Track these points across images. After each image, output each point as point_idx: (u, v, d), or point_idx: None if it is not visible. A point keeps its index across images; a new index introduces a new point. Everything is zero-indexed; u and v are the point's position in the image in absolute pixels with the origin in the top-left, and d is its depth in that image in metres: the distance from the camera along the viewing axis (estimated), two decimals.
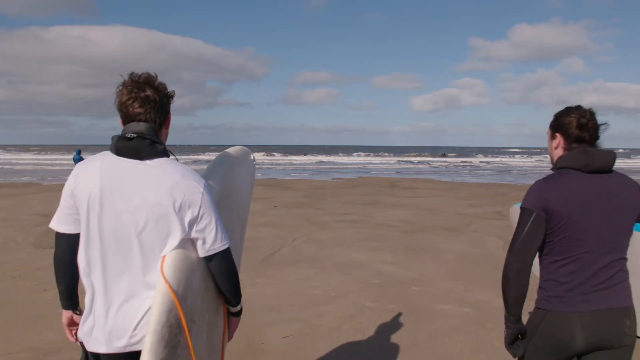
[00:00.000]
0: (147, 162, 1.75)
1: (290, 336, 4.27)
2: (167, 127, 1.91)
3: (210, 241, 1.78)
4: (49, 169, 34.66)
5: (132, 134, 1.75)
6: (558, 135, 2.11)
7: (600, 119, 2.09)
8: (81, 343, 1.90)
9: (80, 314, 1.96)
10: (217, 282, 1.88)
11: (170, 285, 1.67)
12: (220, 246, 1.80)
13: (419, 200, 14.95)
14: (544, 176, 2.06)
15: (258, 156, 59.17)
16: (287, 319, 4.66)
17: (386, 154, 77.96)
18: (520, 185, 22.67)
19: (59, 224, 1.87)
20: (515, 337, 2.10)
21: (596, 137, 2.08)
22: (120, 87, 1.83)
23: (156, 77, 1.86)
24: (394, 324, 4.57)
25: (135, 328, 1.74)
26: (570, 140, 2.07)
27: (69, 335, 2.03)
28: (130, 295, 1.75)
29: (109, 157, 1.78)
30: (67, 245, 1.87)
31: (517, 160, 61.65)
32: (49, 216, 8.49)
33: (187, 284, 1.73)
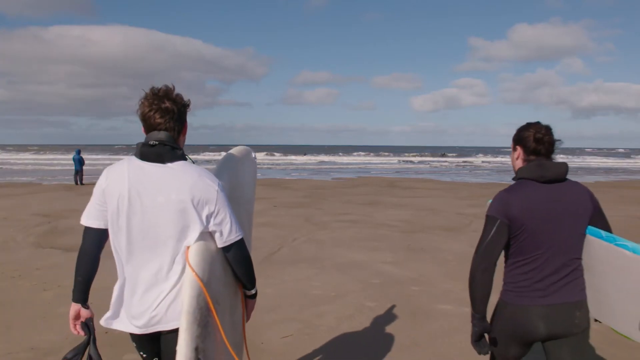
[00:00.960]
0: (168, 165, 1.97)
1: (290, 336, 4.27)
2: (185, 134, 2.12)
3: (226, 233, 2.00)
4: (48, 169, 34.65)
5: (155, 141, 1.98)
6: (518, 147, 2.37)
7: (555, 135, 2.34)
8: (88, 329, 2.12)
9: (88, 308, 2.15)
10: (234, 269, 2.12)
11: (196, 273, 1.89)
12: (235, 237, 2.02)
13: (419, 200, 14.95)
14: (506, 187, 2.32)
15: (260, 156, 59.19)
16: (287, 319, 4.66)
17: (386, 154, 77.93)
18: None
19: (89, 219, 2.09)
20: (481, 334, 2.32)
21: (551, 150, 2.32)
22: (142, 100, 2.03)
23: (174, 89, 2.06)
24: (394, 324, 4.57)
25: (155, 309, 1.97)
26: (528, 153, 2.32)
27: (72, 328, 2.14)
28: (154, 282, 1.97)
29: (134, 161, 2.01)
30: (94, 239, 2.09)
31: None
32: (49, 216, 8.53)
33: (210, 271, 1.96)
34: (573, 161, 58.22)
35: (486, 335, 2.35)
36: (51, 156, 58.77)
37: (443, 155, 74.47)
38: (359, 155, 72.09)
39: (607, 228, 2.39)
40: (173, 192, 1.93)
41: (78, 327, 2.14)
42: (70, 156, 25.52)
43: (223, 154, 2.53)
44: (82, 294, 2.12)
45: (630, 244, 2.29)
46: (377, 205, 13.69)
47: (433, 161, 56.71)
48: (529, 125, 2.37)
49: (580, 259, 2.31)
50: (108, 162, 47.19)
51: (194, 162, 2.09)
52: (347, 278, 6.13)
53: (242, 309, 2.28)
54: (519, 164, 2.37)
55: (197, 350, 1.85)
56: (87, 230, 2.11)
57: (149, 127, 2.02)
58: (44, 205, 13.05)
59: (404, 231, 9.49)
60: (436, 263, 6.81)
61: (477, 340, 2.33)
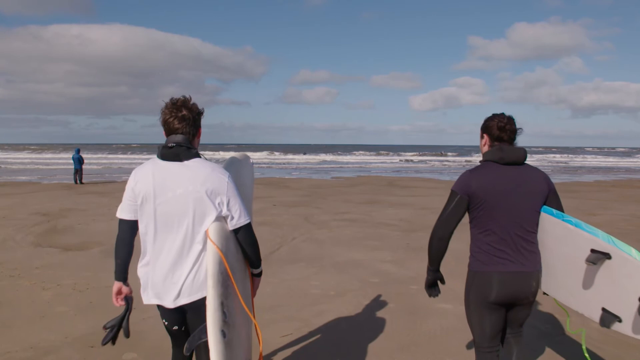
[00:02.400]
0: (185, 162, 2.34)
1: (289, 335, 4.27)
2: (199, 137, 2.49)
3: (236, 217, 2.37)
4: (47, 168, 34.63)
5: (173, 144, 2.35)
6: (485, 135, 2.73)
7: (518, 124, 2.70)
8: (127, 303, 2.52)
9: (128, 286, 2.52)
10: (243, 249, 2.48)
11: (217, 245, 2.28)
12: (244, 221, 2.40)
13: (418, 199, 14.95)
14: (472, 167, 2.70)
15: (262, 155, 59.23)
16: (286, 318, 4.66)
17: (385, 153, 77.95)
18: None
19: (123, 212, 2.43)
20: (434, 282, 2.84)
21: (513, 137, 2.67)
22: (164, 109, 2.40)
23: (190, 99, 2.43)
24: (393, 323, 4.58)
25: (179, 285, 2.33)
26: (493, 139, 2.68)
27: (115, 301, 2.53)
28: (177, 261, 2.33)
29: (157, 161, 2.38)
30: (128, 228, 2.44)
31: None
32: (48, 215, 8.52)
33: (226, 246, 2.35)
34: (574, 160, 58.32)
35: (439, 283, 2.87)
36: (50, 155, 58.69)
37: (442, 155, 74.46)
38: (358, 155, 72.08)
39: (560, 209, 2.69)
40: (190, 184, 2.30)
41: (120, 300, 2.52)
42: (70, 155, 25.51)
43: (221, 153, 2.79)
44: (122, 274, 2.49)
45: (574, 219, 2.59)
46: (377, 205, 13.70)
47: (432, 160, 56.71)
48: (494, 116, 2.71)
49: (535, 232, 2.64)
50: (106, 161, 47.10)
51: (207, 159, 2.45)
52: (346, 277, 6.13)
53: (250, 285, 2.66)
54: (486, 149, 2.72)
55: (222, 305, 2.23)
56: (122, 222, 2.45)
57: (168, 131, 2.40)
58: (43, 205, 13.04)
59: (403, 230, 9.49)
60: None
61: (430, 286, 2.86)
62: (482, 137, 2.76)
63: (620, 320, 2.43)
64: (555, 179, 26.92)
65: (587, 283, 2.55)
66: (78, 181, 20.63)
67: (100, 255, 7.01)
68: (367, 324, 4.57)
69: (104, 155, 57.76)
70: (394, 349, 4.02)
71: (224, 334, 2.19)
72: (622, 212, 12.29)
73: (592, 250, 2.46)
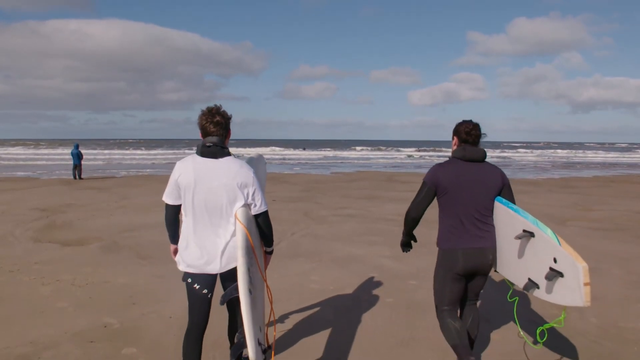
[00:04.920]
0: (220, 159, 2.92)
1: (287, 330, 4.28)
2: (229, 137, 3.08)
3: (258, 205, 3.01)
4: (46, 163, 34.58)
5: (210, 144, 2.91)
6: (455, 137, 3.36)
7: (482, 129, 3.30)
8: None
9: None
10: (261, 230, 3.13)
11: (243, 224, 2.90)
12: (263, 208, 3.06)
13: None
14: (441, 162, 3.33)
15: (264, 151, 59.27)
16: (286, 313, 4.67)
17: (384, 148, 77.91)
18: (517, 179, 22.68)
19: (168, 198, 3.02)
20: (407, 242, 3.78)
21: (477, 141, 3.28)
22: (201, 115, 2.97)
23: (221, 107, 3.01)
24: (392, 318, 4.59)
25: (215, 257, 2.92)
26: (461, 141, 3.30)
27: (173, 256, 3.18)
28: (213, 238, 2.92)
29: (196, 157, 2.94)
30: (172, 211, 3.06)
31: (515, 155, 61.66)
32: (47, 210, 8.51)
33: (250, 226, 2.98)
34: (577, 156, 58.33)
35: (412, 243, 3.70)
36: (49, 150, 58.56)
37: (441, 150, 74.39)
38: (357, 150, 72.01)
39: (512, 200, 3.28)
40: (223, 177, 2.87)
41: (176, 257, 3.09)
42: (69, 150, 25.46)
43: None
44: (174, 239, 3.15)
45: (515, 206, 3.21)
46: (376, 200, 13.71)
47: (432, 155, 56.70)
48: (463, 122, 3.32)
49: (490, 217, 3.25)
50: (105, 156, 46.99)
51: (237, 157, 3.01)
52: (345, 272, 6.14)
53: (264, 260, 3.31)
54: (455, 148, 3.34)
55: (249, 270, 2.85)
56: (167, 206, 3.04)
57: (205, 133, 2.96)
58: (42, 200, 13.03)
59: (402, 225, 9.48)
60: (434, 257, 6.79)
61: (404, 245, 3.80)
62: (452, 138, 3.39)
63: (538, 287, 3.09)
64: (554, 174, 26.95)
65: (520, 256, 3.19)
66: (77, 176, 20.61)
67: (99, 251, 7.00)
68: (365, 318, 4.58)
69: (103, 151, 57.65)
70: (392, 344, 4.03)
71: (250, 291, 2.83)
72: (621, 208, 12.31)
73: (524, 230, 3.10)
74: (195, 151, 3.00)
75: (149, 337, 4.08)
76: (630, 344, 4.03)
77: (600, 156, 60.62)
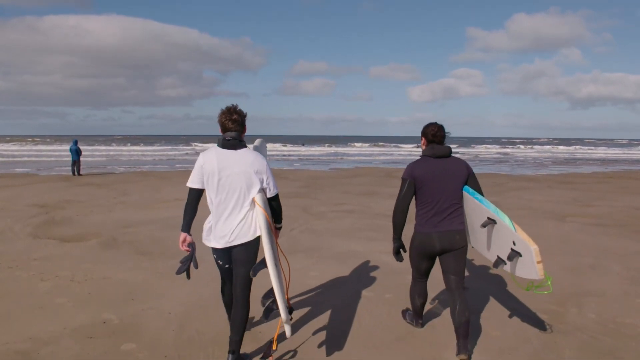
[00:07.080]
0: (238, 150, 3.40)
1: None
2: (244, 132, 3.53)
3: (272, 189, 3.48)
4: (45, 159, 34.53)
5: (229, 137, 3.39)
6: (423, 138, 3.88)
7: (446, 129, 3.83)
8: (192, 247, 3.50)
9: (191, 235, 3.51)
10: (273, 211, 3.60)
11: (263, 209, 3.39)
12: (276, 192, 3.52)
13: None
14: (416, 159, 3.84)
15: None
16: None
17: (383, 144, 77.86)
18: (516, 175, 22.70)
19: (192, 183, 3.44)
20: (398, 249, 3.91)
21: (442, 140, 3.80)
22: (220, 114, 3.44)
23: (237, 106, 3.49)
24: (391, 314, 4.59)
25: (232, 232, 3.39)
26: (428, 141, 3.82)
27: (181, 246, 3.52)
28: (231, 216, 3.39)
29: (218, 149, 3.41)
30: (195, 195, 3.46)
31: (514, 151, 61.67)
32: (46, 207, 8.50)
33: (266, 207, 3.48)
34: (578, 151, 58.33)
35: (401, 251, 3.92)
36: (48, 147, 58.47)
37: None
38: (356, 146, 71.96)
39: (477, 188, 3.79)
40: (242, 166, 3.35)
41: (185, 246, 3.48)
42: (67, 147, 25.42)
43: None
44: (188, 227, 3.49)
45: (479, 196, 3.73)
46: (375, 196, 13.71)
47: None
48: (429, 125, 3.83)
49: (459, 204, 3.76)
50: (104, 152, 46.82)
51: (251, 148, 3.53)
52: (344, 268, 6.15)
53: (274, 235, 3.69)
54: (423, 147, 3.86)
55: (272, 246, 3.38)
56: (191, 190, 3.45)
57: (224, 129, 3.42)
58: (41, 196, 13.02)
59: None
60: None
61: (396, 252, 3.93)
62: (421, 139, 3.89)
63: (505, 264, 3.69)
64: (553, 170, 26.95)
65: (489, 239, 3.80)
66: (76, 172, 20.59)
67: (98, 247, 7.00)
68: (364, 314, 4.59)
69: (101, 147, 57.58)
70: (391, 340, 4.04)
71: (276, 264, 3.39)
72: (620, 204, 12.32)
73: (488, 218, 3.68)
74: (216, 144, 3.45)
75: (148, 333, 4.09)
76: (629, 339, 4.04)
77: (600, 152, 60.70)
